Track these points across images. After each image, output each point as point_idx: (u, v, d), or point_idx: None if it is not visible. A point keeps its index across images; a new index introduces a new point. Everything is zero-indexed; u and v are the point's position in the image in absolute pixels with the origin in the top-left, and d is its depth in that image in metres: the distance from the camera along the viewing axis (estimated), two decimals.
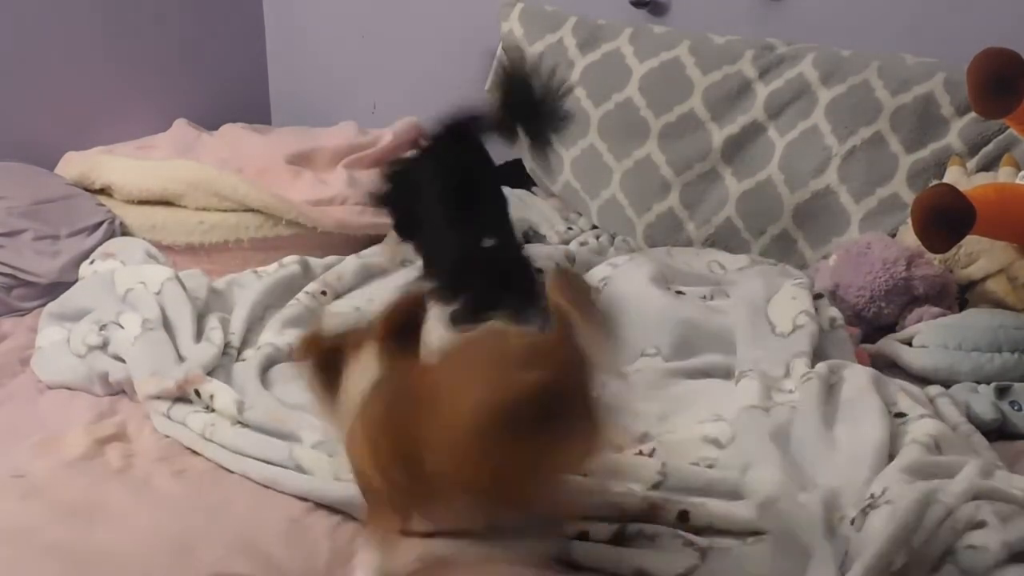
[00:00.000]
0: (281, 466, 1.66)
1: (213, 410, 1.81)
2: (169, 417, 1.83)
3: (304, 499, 1.62)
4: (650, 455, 1.62)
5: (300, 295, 2.21)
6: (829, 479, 1.48)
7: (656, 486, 1.52)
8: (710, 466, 1.59)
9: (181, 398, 1.85)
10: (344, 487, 1.59)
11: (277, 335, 2.05)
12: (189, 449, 1.77)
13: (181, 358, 1.94)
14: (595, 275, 2.19)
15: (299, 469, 1.65)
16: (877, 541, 1.27)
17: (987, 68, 1.91)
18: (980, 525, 1.31)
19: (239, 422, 1.77)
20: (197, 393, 1.83)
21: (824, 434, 1.60)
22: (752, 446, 1.56)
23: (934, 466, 1.46)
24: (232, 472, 1.70)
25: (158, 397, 1.85)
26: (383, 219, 2.57)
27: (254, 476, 1.67)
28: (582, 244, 2.59)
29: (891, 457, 1.51)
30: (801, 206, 2.42)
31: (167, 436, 1.81)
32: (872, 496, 1.37)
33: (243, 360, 1.98)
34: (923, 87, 2.33)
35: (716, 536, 1.45)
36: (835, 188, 2.39)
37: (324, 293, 2.25)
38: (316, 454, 1.66)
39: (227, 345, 2.01)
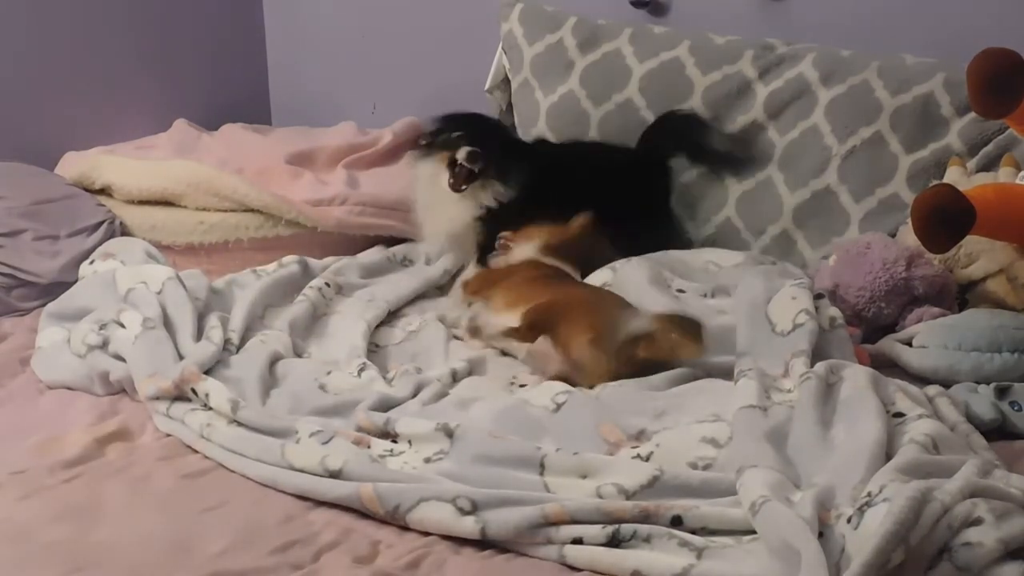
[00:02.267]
0: (276, 465, 1.67)
1: (210, 408, 1.81)
2: (169, 416, 1.83)
3: (302, 497, 1.62)
4: (647, 458, 1.62)
5: (306, 290, 2.22)
6: (825, 478, 1.48)
7: (651, 483, 1.53)
8: (707, 466, 1.59)
9: (180, 396, 1.85)
10: (339, 484, 1.60)
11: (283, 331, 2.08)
12: (190, 447, 1.77)
13: (181, 357, 1.94)
14: (596, 279, 2.20)
15: (291, 468, 1.65)
16: (874, 538, 1.27)
17: (987, 68, 1.91)
18: (976, 522, 1.31)
19: (234, 421, 1.77)
20: (194, 391, 1.84)
21: (821, 434, 1.60)
22: (747, 447, 1.56)
23: (931, 465, 1.47)
24: (232, 471, 1.71)
25: (157, 398, 1.85)
26: (382, 220, 2.58)
27: (252, 475, 1.68)
28: None
29: (889, 457, 1.51)
30: (801, 206, 2.42)
31: (168, 435, 1.81)
32: (869, 494, 1.37)
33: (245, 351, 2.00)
34: (923, 87, 2.33)
35: (712, 535, 1.45)
36: (835, 188, 2.39)
37: (328, 285, 2.26)
38: (307, 450, 1.66)
39: (227, 343, 2.01)
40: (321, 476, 1.62)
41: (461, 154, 2.15)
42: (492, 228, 2.21)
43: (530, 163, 2.27)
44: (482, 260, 2.22)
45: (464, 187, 2.19)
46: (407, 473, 1.63)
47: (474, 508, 1.51)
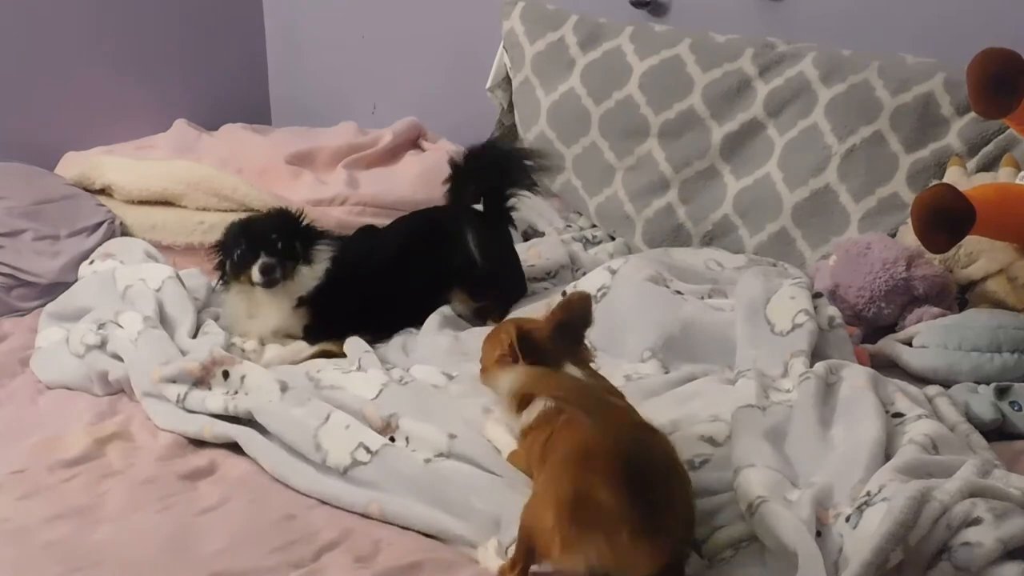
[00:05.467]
0: (299, 453, 1.67)
1: (246, 393, 1.83)
2: (183, 406, 1.82)
3: (304, 496, 1.63)
4: None
5: None
6: (824, 477, 1.48)
7: None
8: (704, 462, 1.59)
9: (199, 383, 1.84)
10: (344, 489, 1.60)
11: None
12: (191, 444, 1.77)
13: (183, 353, 1.94)
14: (593, 282, 2.19)
15: (316, 447, 1.65)
16: (873, 538, 1.27)
17: (987, 68, 1.91)
18: (975, 522, 1.31)
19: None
20: (225, 375, 1.84)
21: (820, 433, 1.60)
22: (746, 445, 1.56)
23: (930, 465, 1.46)
24: (231, 472, 1.71)
25: (174, 380, 1.84)
26: (382, 220, 2.58)
27: (264, 463, 1.69)
28: (584, 241, 2.62)
29: (888, 457, 1.51)
30: (800, 205, 2.42)
31: (169, 432, 1.80)
32: (868, 494, 1.37)
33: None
34: (923, 87, 2.33)
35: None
36: (834, 187, 2.39)
37: None
38: (340, 434, 1.67)
39: None
40: (335, 470, 1.63)
41: (255, 276, 2.06)
42: (316, 307, 2.12)
43: (329, 238, 2.19)
44: (311, 339, 2.11)
45: (276, 285, 2.09)
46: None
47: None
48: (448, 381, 1.90)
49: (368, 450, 1.63)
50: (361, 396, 1.81)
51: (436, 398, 1.82)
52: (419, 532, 1.54)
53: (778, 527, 1.34)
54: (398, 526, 1.55)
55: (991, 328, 1.93)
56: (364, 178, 2.76)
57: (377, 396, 1.81)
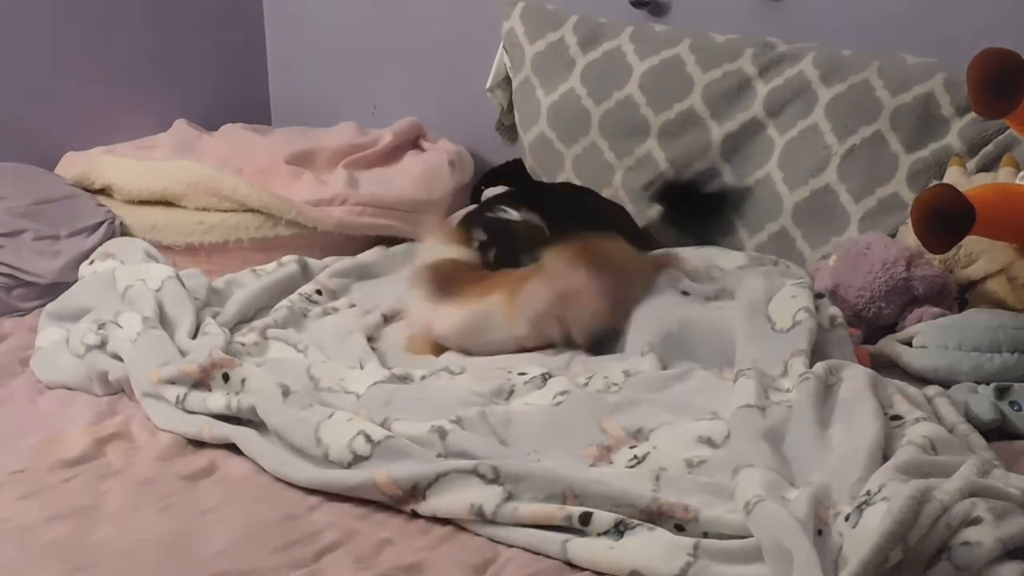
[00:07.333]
0: (300, 449, 1.67)
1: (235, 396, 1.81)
2: (184, 407, 1.81)
3: (309, 492, 1.62)
4: (643, 459, 1.62)
5: (293, 296, 2.21)
6: (821, 477, 1.48)
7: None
8: (702, 463, 1.60)
9: (199, 384, 1.83)
10: (351, 474, 1.60)
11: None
12: (191, 444, 1.77)
13: (183, 354, 1.94)
14: None
15: (316, 442, 1.64)
16: (872, 537, 1.27)
17: (987, 68, 1.91)
18: (975, 521, 1.31)
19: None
20: (225, 377, 1.83)
21: (819, 433, 1.60)
22: (745, 446, 1.56)
23: (930, 465, 1.47)
24: (232, 471, 1.71)
25: (173, 382, 1.84)
26: (382, 220, 2.59)
27: (264, 463, 1.68)
28: None
29: (886, 458, 1.51)
30: (800, 205, 2.42)
31: (168, 432, 1.80)
32: (868, 493, 1.37)
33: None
34: (923, 87, 2.33)
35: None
36: (834, 187, 2.39)
37: (319, 292, 2.25)
38: (340, 428, 1.65)
39: None
40: (338, 465, 1.62)
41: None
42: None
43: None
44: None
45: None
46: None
47: (497, 476, 1.52)
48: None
49: (369, 438, 1.63)
50: (358, 393, 1.82)
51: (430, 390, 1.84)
52: (423, 531, 1.54)
53: (774, 526, 1.35)
54: (401, 519, 1.55)
55: (991, 328, 1.93)
56: (364, 178, 2.76)
57: (372, 395, 1.81)
